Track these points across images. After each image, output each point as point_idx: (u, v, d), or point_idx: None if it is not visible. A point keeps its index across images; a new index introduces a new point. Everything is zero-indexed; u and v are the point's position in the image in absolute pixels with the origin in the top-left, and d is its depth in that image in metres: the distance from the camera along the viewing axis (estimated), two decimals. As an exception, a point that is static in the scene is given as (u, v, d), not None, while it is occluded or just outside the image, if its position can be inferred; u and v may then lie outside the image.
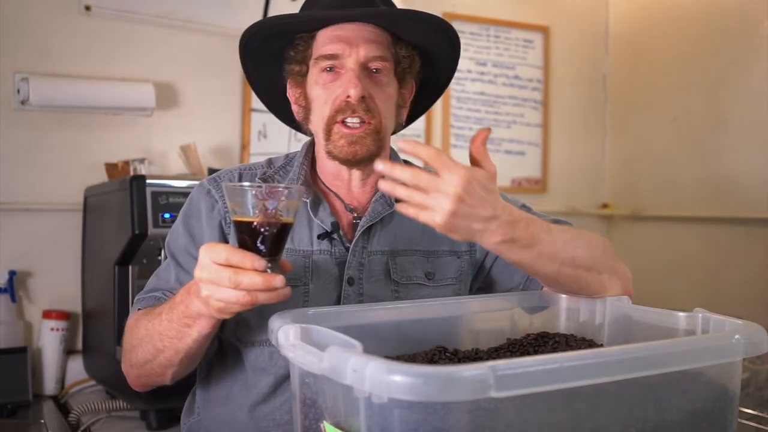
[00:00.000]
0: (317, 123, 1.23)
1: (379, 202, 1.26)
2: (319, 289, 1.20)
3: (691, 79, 2.99)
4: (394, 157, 1.34)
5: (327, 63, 1.19)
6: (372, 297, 1.22)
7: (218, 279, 0.90)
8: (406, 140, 0.92)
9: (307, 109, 1.25)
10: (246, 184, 0.95)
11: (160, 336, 1.07)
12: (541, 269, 1.05)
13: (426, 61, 1.30)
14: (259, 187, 0.92)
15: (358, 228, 1.24)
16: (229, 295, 0.91)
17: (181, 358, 1.08)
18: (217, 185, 1.26)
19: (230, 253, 0.90)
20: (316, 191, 1.26)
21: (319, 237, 1.22)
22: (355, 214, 1.27)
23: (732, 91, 2.84)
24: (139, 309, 1.19)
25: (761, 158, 2.72)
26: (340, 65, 1.19)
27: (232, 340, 1.22)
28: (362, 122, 1.18)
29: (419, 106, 1.38)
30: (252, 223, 0.91)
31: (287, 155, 1.35)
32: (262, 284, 0.89)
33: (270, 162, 1.33)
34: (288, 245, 1.19)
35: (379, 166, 0.93)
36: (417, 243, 1.28)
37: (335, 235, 1.22)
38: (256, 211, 0.91)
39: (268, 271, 0.91)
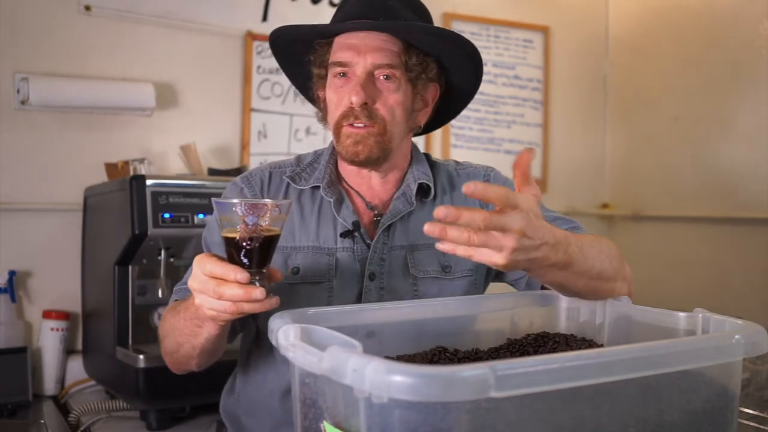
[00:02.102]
0: (331, 125, 1.29)
1: (400, 200, 1.32)
2: (341, 286, 1.26)
3: (691, 79, 2.99)
4: (416, 160, 1.36)
5: (338, 69, 1.25)
6: (392, 291, 1.27)
7: (206, 289, 0.96)
8: (476, 183, 0.85)
9: (324, 111, 1.32)
10: (235, 200, 0.97)
11: (179, 332, 1.14)
12: (571, 287, 1.06)
13: (446, 67, 1.32)
14: (240, 203, 0.96)
15: (380, 225, 1.29)
16: (216, 305, 0.96)
17: (198, 353, 1.15)
18: (249, 183, 1.33)
19: (214, 265, 0.95)
20: (340, 190, 1.32)
21: (342, 235, 1.28)
22: (376, 212, 1.32)
23: (732, 91, 2.84)
24: (176, 300, 1.26)
25: (761, 158, 2.72)
26: (351, 71, 1.24)
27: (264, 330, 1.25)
28: (365, 126, 1.23)
29: (449, 110, 1.41)
30: (235, 237, 0.95)
31: (315, 152, 1.41)
32: (243, 296, 0.94)
33: (299, 160, 1.39)
34: (313, 243, 1.28)
35: (441, 212, 0.85)
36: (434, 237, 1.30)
37: (357, 233, 1.28)
38: (239, 226, 0.95)
39: (256, 283, 0.95)
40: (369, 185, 1.33)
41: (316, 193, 1.31)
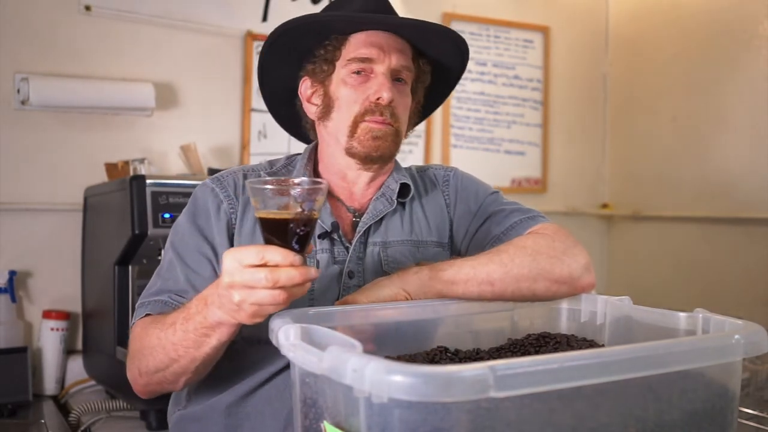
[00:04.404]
0: (341, 121, 1.25)
1: (380, 200, 1.30)
2: (322, 288, 1.23)
3: (691, 79, 2.99)
4: (396, 165, 1.36)
5: (359, 66, 1.23)
6: None
7: (253, 281, 0.87)
8: None
9: (328, 107, 1.27)
10: (297, 180, 0.91)
11: (175, 346, 1.06)
12: (463, 295, 1.12)
13: (435, 73, 1.35)
14: (298, 184, 0.90)
15: (359, 226, 1.27)
16: (264, 296, 0.88)
17: (197, 366, 1.08)
18: (221, 185, 1.26)
19: (267, 252, 0.87)
20: None
21: (320, 237, 1.24)
22: (356, 214, 1.30)
23: (732, 91, 2.84)
24: (147, 314, 1.18)
25: (761, 158, 2.72)
26: (371, 69, 1.24)
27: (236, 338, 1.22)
28: (386, 124, 1.23)
29: (421, 113, 1.42)
30: (288, 222, 0.89)
31: (288, 156, 1.37)
32: (301, 278, 0.88)
33: (271, 164, 1.35)
34: None
35: None
36: (407, 234, 1.32)
37: (335, 235, 1.25)
38: (295, 210, 0.88)
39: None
40: (351, 191, 1.31)
41: None
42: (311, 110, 1.31)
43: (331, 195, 1.30)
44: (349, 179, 1.30)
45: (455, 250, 1.36)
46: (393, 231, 1.31)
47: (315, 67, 1.28)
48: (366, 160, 1.25)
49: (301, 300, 1.17)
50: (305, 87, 1.31)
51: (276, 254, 0.87)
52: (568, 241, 1.20)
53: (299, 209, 0.88)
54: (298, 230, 0.89)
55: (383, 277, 1.14)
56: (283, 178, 1.12)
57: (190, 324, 1.02)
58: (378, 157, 1.25)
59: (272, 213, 0.89)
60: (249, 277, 0.87)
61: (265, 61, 1.32)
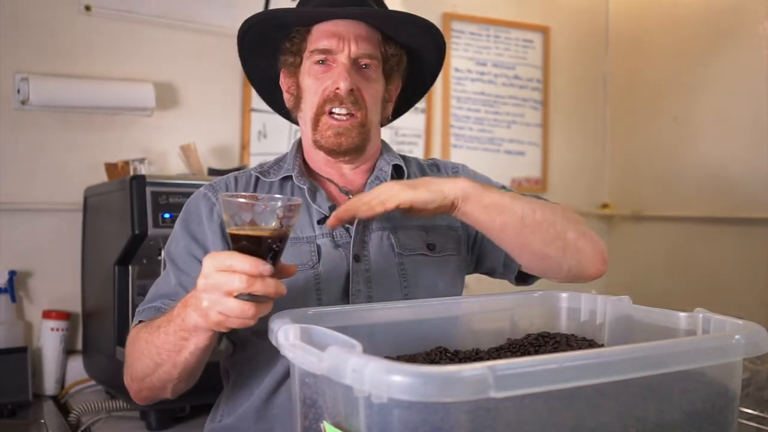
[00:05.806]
0: (307, 111, 1.29)
1: (375, 184, 1.30)
2: (328, 272, 1.23)
3: (691, 79, 2.99)
4: (385, 149, 1.39)
5: (320, 57, 1.26)
6: (378, 271, 1.26)
7: (227, 283, 0.88)
8: (334, 216, 1.10)
9: (298, 98, 1.31)
10: (278, 197, 0.92)
11: (158, 349, 1.06)
12: (494, 222, 1.12)
13: (413, 59, 1.36)
14: (281, 202, 0.91)
15: None
16: (233, 306, 0.89)
17: (179, 371, 1.08)
18: (213, 189, 1.29)
19: (240, 260, 0.88)
20: (310, 179, 1.31)
21: (319, 222, 1.26)
22: (351, 196, 1.30)
23: (732, 90, 2.84)
24: (140, 321, 1.19)
25: (761, 158, 2.72)
26: (332, 59, 1.25)
27: (245, 334, 1.23)
28: (349, 114, 1.24)
29: (405, 101, 1.44)
30: (265, 237, 0.90)
31: (277, 157, 1.40)
32: (274, 288, 0.90)
33: (261, 166, 1.37)
34: (291, 234, 1.21)
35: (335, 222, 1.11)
36: (415, 219, 1.31)
37: None
38: (274, 226, 0.90)
39: None
40: (341, 173, 1.33)
41: (286, 184, 1.31)
42: (287, 100, 1.34)
43: (325, 180, 1.33)
44: (333, 165, 1.33)
45: (471, 232, 1.37)
46: (400, 215, 1.27)
47: (285, 59, 1.30)
48: (332, 153, 1.28)
49: (306, 284, 1.20)
50: (283, 78, 1.34)
51: (244, 262, 0.88)
52: None
53: (278, 225, 0.90)
54: (274, 246, 0.90)
55: (430, 177, 1.20)
56: (252, 194, 1.12)
57: (171, 326, 1.03)
58: (343, 151, 1.27)
59: (244, 229, 0.90)
60: (223, 279, 0.88)
61: (243, 56, 1.36)
